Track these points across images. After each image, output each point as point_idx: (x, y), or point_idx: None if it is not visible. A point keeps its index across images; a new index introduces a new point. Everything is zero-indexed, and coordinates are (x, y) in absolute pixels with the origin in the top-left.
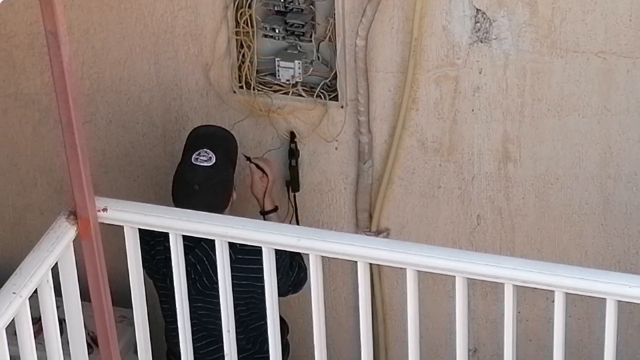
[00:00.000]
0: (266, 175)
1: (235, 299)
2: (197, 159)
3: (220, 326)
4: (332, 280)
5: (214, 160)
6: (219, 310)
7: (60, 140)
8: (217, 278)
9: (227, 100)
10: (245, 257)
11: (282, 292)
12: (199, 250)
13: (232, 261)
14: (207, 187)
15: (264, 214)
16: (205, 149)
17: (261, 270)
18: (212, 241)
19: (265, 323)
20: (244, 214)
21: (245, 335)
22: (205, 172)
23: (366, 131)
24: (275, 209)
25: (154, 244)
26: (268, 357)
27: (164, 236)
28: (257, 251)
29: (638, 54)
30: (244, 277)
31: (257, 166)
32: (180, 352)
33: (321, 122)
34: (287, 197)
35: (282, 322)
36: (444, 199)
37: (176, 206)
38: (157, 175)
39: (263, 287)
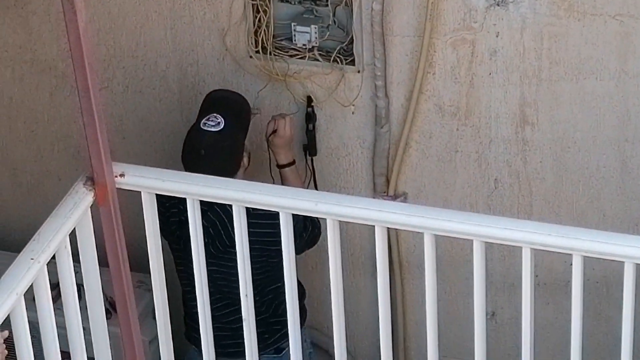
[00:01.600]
0: (275, 132)
1: (250, 263)
2: (205, 123)
3: (235, 289)
4: (350, 245)
5: (222, 126)
6: (233, 273)
7: (77, 106)
8: (229, 241)
9: (243, 65)
10: (259, 222)
11: (297, 252)
12: (212, 214)
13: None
14: (214, 152)
15: (279, 167)
16: (215, 114)
17: (274, 234)
18: (225, 205)
19: (282, 285)
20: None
21: (261, 297)
22: (212, 137)
23: (383, 95)
24: (292, 163)
25: (169, 206)
26: (283, 321)
27: (179, 198)
28: (270, 215)
29: None
30: (258, 242)
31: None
32: (196, 314)
33: (338, 86)
34: (304, 161)
35: (299, 286)
36: (461, 163)
37: (185, 169)
38: (174, 140)
39: (277, 250)
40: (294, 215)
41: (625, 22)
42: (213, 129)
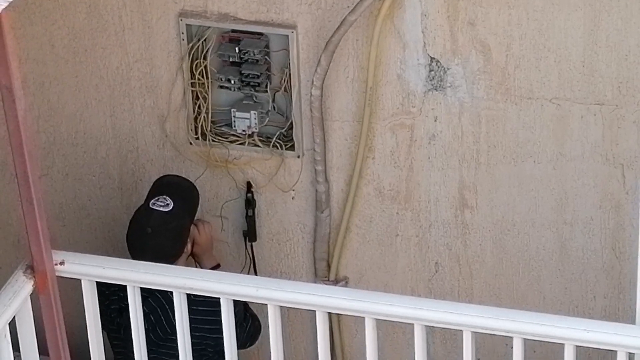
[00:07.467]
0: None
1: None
2: (154, 203)
3: None
4: (292, 330)
5: (170, 207)
6: None
7: (17, 194)
8: (170, 328)
9: (183, 152)
10: (199, 309)
11: (239, 343)
12: (152, 300)
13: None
14: (160, 232)
15: None
16: (164, 196)
17: (214, 322)
18: (166, 291)
19: None
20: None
21: None
22: (159, 216)
23: (323, 180)
24: (217, 267)
25: (109, 294)
26: None
27: (119, 286)
28: (211, 302)
29: (592, 99)
30: (197, 329)
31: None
32: None
33: (278, 171)
34: (244, 247)
35: None
36: (402, 246)
37: (129, 248)
38: (114, 227)
39: (216, 339)
40: (235, 304)
41: (562, 106)
42: (162, 209)
